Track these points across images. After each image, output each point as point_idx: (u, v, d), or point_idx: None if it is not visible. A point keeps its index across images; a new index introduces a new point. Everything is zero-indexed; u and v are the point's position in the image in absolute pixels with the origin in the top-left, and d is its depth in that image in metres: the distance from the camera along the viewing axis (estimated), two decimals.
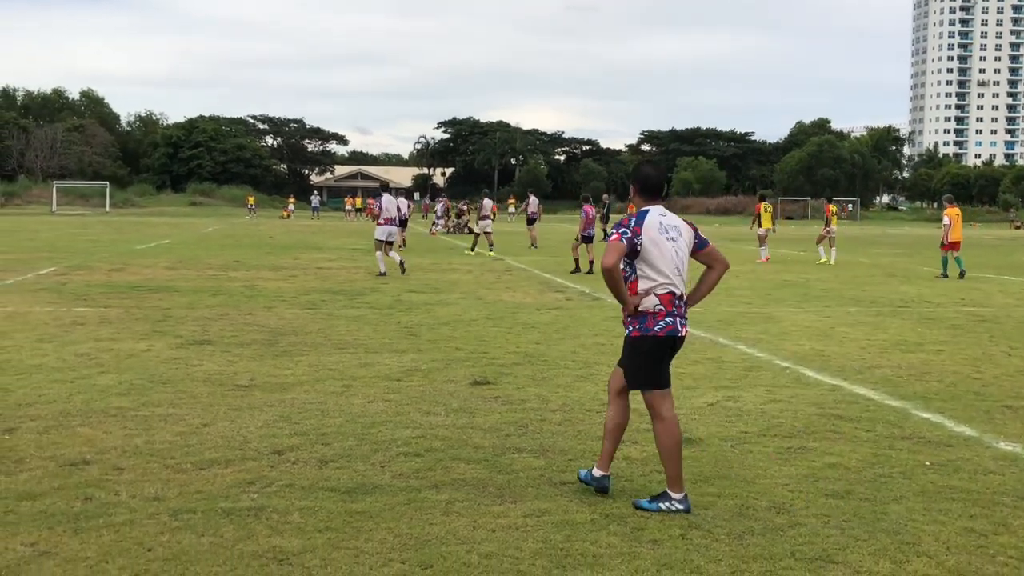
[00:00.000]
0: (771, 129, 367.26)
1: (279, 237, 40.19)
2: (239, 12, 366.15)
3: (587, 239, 23.81)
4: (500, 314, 14.51)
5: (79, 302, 15.19)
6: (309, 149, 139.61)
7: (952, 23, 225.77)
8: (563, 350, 11.16)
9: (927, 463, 6.62)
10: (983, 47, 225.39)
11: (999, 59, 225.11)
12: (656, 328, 5.59)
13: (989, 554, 4.97)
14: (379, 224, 21.65)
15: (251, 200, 79.18)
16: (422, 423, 7.46)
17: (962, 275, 23.10)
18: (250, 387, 8.75)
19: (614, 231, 5.60)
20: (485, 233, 30.68)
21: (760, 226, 29.25)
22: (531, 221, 36.00)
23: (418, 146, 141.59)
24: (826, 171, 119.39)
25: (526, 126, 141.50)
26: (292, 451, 6.63)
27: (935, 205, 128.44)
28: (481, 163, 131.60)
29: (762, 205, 30.18)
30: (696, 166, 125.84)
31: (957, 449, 7.01)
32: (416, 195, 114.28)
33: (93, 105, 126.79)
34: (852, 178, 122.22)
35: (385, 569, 4.62)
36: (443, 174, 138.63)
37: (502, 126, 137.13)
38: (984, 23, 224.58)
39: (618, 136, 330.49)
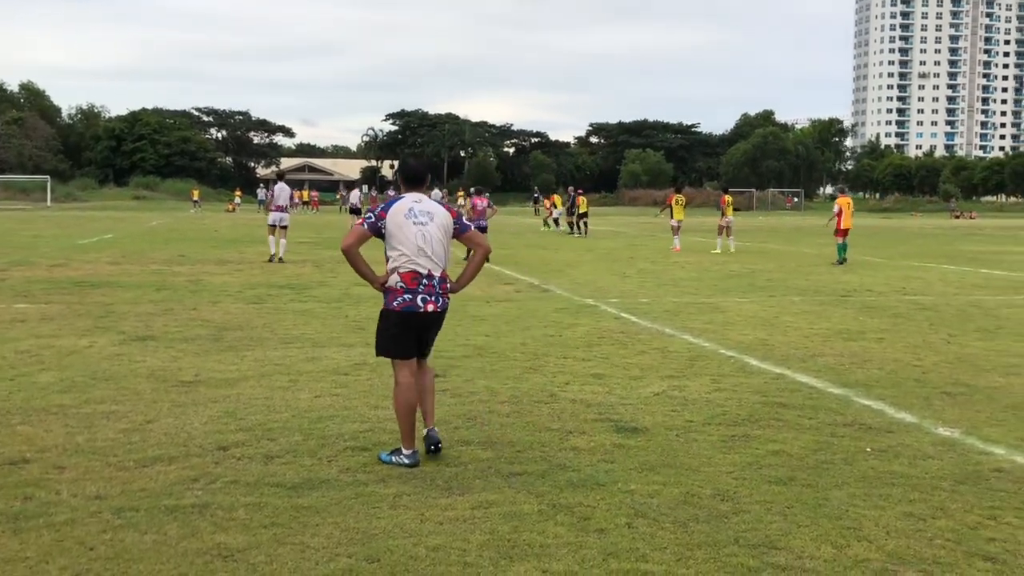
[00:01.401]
0: (717, 121, 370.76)
1: (225, 231, 39.76)
2: (183, 2, 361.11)
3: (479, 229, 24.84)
4: (449, 307, 14.46)
5: (19, 298, 14.91)
6: (255, 142, 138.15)
7: (893, 16, 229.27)
8: (512, 342, 11.19)
9: (868, 449, 6.73)
10: (923, 40, 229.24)
11: (939, 51, 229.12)
12: (394, 304, 6.24)
13: (927, 538, 5.07)
14: (270, 211, 23.28)
15: (196, 194, 78.25)
16: (370, 417, 7.44)
17: (842, 262, 24.25)
18: (194, 383, 8.65)
19: (361, 216, 6.29)
20: None
21: (672, 217, 30.56)
22: None
23: (366, 138, 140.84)
24: (771, 163, 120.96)
25: (475, 118, 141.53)
26: (237, 447, 6.57)
27: (877, 196, 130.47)
28: (430, 155, 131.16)
29: (674, 197, 31.37)
30: (644, 158, 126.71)
31: (897, 435, 7.14)
32: (365, 187, 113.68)
33: (33, 97, 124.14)
34: (796, 169, 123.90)
35: (332, 564, 4.60)
36: (392, 167, 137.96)
37: (451, 118, 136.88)
38: (924, 16, 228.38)
39: (567, 128, 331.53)
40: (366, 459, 6.32)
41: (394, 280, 6.23)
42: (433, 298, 6.26)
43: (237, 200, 79.31)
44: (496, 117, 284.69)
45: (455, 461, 6.31)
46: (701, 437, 6.99)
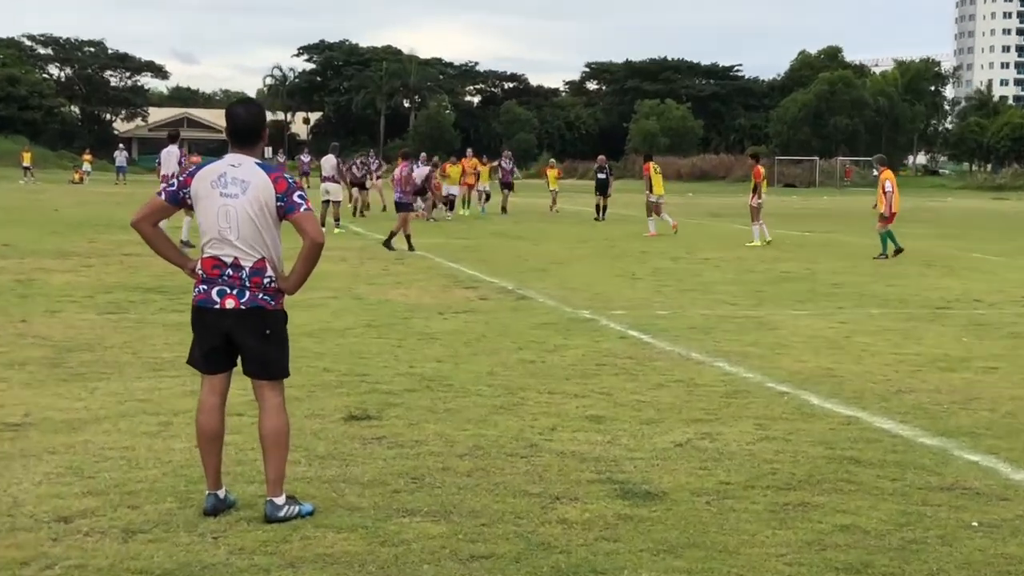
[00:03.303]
0: (765, 62, 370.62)
1: (69, 210, 39.52)
2: None
3: (401, 207, 26.15)
4: (387, 320, 14.48)
5: None
6: (112, 84, 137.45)
7: None
8: (475, 370, 11.18)
9: (974, 524, 6.78)
10: None
11: None
12: (193, 296, 6.67)
13: None
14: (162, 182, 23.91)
15: (27, 157, 77.63)
16: None
17: (899, 251, 25.51)
18: (23, 426, 8.60)
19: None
20: (330, 202, 31.58)
21: (652, 192, 32.75)
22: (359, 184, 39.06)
23: (270, 81, 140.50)
24: (840, 120, 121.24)
25: (425, 54, 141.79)
26: (85, 517, 6.53)
27: (988, 167, 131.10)
28: (361, 105, 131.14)
29: (651, 165, 33.31)
30: (663, 112, 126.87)
31: (1015, 504, 7.19)
32: (268, 151, 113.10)
33: None
34: (875, 129, 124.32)
35: None
36: (307, 121, 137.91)
37: (391, 54, 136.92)
38: None
39: (554, 70, 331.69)
40: (268, 535, 6.30)
41: (197, 266, 6.65)
42: (235, 291, 6.53)
43: (86, 167, 78.85)
44: (455, 53, 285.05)
45: (395, 538, 6.31)
46: (741, 506, 7.02)
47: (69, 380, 10.34)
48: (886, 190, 26.22)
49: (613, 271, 21.73)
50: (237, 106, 6.82)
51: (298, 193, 6.57)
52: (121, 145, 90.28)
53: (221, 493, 6.71)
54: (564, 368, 11.44)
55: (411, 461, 7.85)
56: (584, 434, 8.73)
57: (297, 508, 6.60)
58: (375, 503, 6.91)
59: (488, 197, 45.26)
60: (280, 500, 6.57)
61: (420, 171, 38.08)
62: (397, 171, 27.22)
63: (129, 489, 7.08)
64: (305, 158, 64.54)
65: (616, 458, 8.06)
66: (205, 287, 6.56)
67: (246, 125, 6.72)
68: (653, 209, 32.89)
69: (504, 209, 44.48)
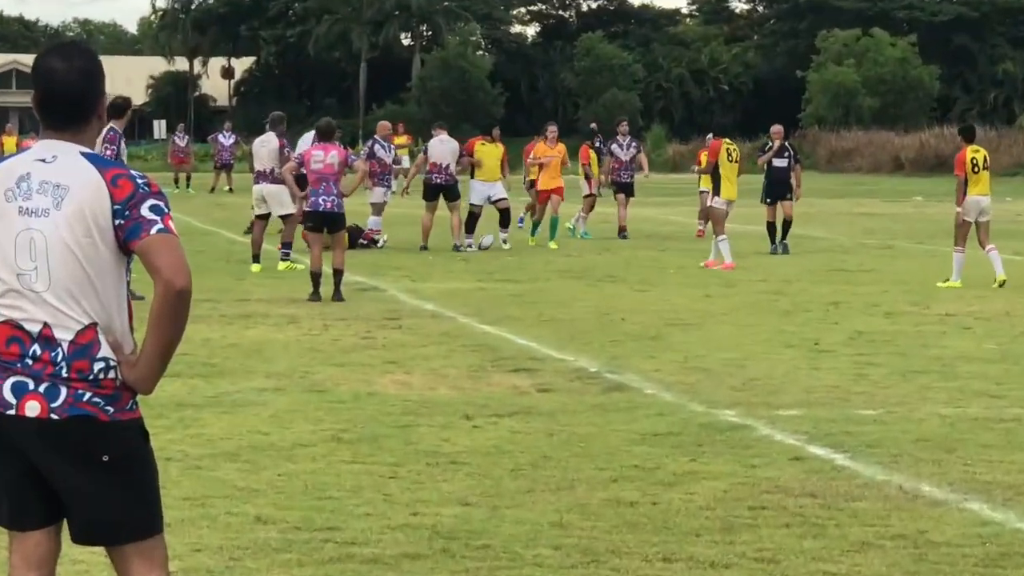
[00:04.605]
0: None
1: None
2: None
3: (335, 221, 26.66)
4: (371, 429, 14.53)
5: None
6: None
7: None
8: (530, 519, 11.18)
9: None
10: None
11: None
12: None
13: None
14: None
15: None
16: None
17: None
18: None
19: None
20: (269, 217, 31.80)
21: (718, 193, 33.61)
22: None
23: (163, 4, 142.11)
24: None
25: None
26: None
27: None
28: (325, 45, 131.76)
29: (723, 145, 34.20)
30: (866, 51, 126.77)
31: None
32: (159, 126, 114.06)
33: None
34: None
35: None
36: (229, 74, 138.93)
37: None
38: None
39: None
40: None
41: None
42: (43, 388, 6.25)
43: None
44: None
45: None
46: None
47: None
48: None
49: (780, 338, 21.71)
50: (51, 57, 6.62)
51: (150, 203, 6.34)
52: None
53: None
54: (691, 515, 11.41)
55: None
56: None
57: None
58: None
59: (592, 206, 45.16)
60: None
61: (444, 143, 38.16)
62: (319, 158, 26.61)
63: None
64: (226, 139, 65.13)
65: None
66: None
67: (66, 91, 6.52)
68: (716, 219, 33.38)
69: (621, 229, 43.74)
